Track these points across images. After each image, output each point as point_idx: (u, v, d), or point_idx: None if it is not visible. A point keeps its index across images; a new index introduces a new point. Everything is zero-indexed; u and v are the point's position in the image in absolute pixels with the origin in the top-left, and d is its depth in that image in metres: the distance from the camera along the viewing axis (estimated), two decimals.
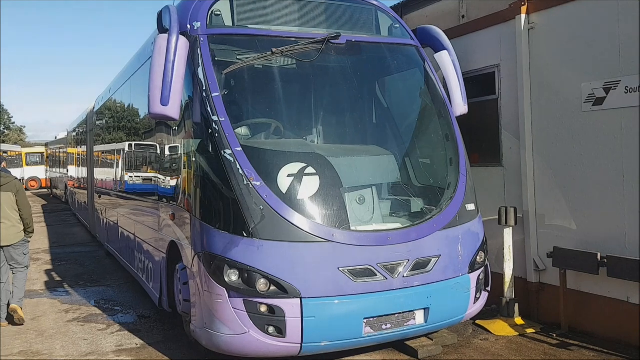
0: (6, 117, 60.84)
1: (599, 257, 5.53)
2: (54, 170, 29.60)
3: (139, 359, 5.76)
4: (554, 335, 5.92)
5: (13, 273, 7.25)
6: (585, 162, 5.82)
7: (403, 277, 4.97)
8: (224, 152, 4.88)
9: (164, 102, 4.94)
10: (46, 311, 7.71)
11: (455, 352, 5.60)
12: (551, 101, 6.16)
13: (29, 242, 7.44)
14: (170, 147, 6.13)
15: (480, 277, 5.51)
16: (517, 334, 6.02)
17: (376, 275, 4.87)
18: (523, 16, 6.35)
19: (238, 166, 4.83)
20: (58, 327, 6.92)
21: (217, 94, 5.07)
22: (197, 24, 5.34)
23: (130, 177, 8.74)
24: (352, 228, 4.97)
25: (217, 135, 4.94)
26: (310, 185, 5.01)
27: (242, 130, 5.51)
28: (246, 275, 4.69)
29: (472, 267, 5.38)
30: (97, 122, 12.83)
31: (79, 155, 17.46)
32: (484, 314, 6.05)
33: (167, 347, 6.05)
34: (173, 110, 5.00)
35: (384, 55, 6.25)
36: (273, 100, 5.63)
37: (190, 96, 5.26)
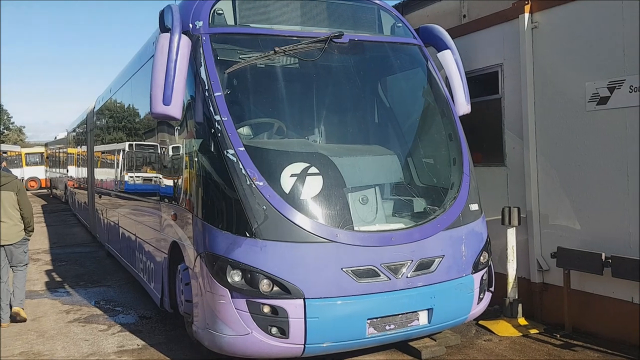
0: (5, 117, 60.80)
1: (603, 257, 5.50)
2: (54, 170, 29.57)
3: (141, 359, 5.73)
4: (558, 335, 5.90)
5: (13, 272, 7.24)
6: (589, 162, 5.79)
7: (407, 277, 4.94)
8: (227, 152, 4.85)
9: (166, 101, 4.92)
10: (47, 312, 7.68)
11: (458, 352, 5.57)
12: (555, 100, 6.14)
13: (28, 240, 7.48)
14: (172, 147, 6.10)
15: (484, 278, 5.48)
16: (521, 334, 5.99)
17: (380, 275, 4.85)
18: (526, 15, 6.32)
19: (241, 166, 4.80)
20: (59, 328, 6.89)
21: (220, 93, 5.04)
22: (199, 23, 5.31)
23: (131, 177, 8.71)
24: (356, 228, 4.95)
25: (219, 135, 4.91)
26: (313, 185, 4.98)
27: (245, 130, 5.49)
28: (249, 275, 4.66)
29: (476, 268, 5.35)
30: (98, 122, 12.80)
31: (79, 155, 17.43)
32: (487, 314, 6.01)
33: (169, 348, 6.02)
34: (175, 109, 4.98)
35: (387, 55, 6.23)
36: (275, 100, 5.61)
37: (192, 96, 5.23)
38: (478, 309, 5.46)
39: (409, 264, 4.95)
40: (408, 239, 5.01)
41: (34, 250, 12.93)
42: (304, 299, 4.64)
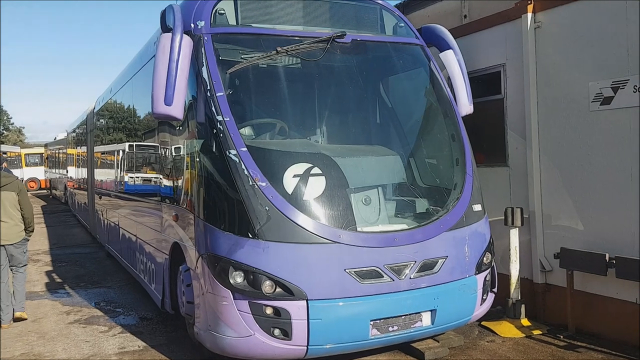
0: (5, 118, 60.71)
1: (607, 258, 5.48)
2: (54, 171, 29.54)
3: None
4: (561, 336, 5.87)
5: (13, 274, 7.22)
6: (593, 162, 5.77)
7: (410, 278, 4.91)
8: (229, 153, 4.82)
9: (168, 101, 4.89)
10: (47, 313, 7.65)
11: (461, 353, 5.54)
12: (558, 100, 6.11)
13: (28, 241, 7.50)
14: (173, 148, 6.07)
15: (487, 278, 5.46)
16: (524, 335, 5.97)
17: (383, 276, 4.82)
18: (529, 15, 6.30)
19: (243, 167, 4.78)
20: (59, 329, 6.86)
21: (222, 93, 5.02)
22: (201, 23, 5.28)
23: (132, 178, 8.68)
24: (359, 229, 4.93)
25: (221, 135, 4.88)
26: (316, 186, 4.96)
27: (247, 130, 5.46)
28: (251, 277, 4.64)
29: (479, 268, 5.33)
30: (98, 123, 12.77)
31: (78, 156, 17.40)
32: (490, 315, 5.99)
33: (170, 349, 5.99)
34: (177, 110, 4.95)
35: (389, 55, 6.20)
36: (278, 100, 5.58)
37: (194, 96, 5.20)
38: (481, 310, 5.44)
39: (412, 265, 4.92)
40: (411, 239, 4.99)
41: (33, 251, 12.90)
42: (307, 300, 4.61)
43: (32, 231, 7.49)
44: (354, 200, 5.17)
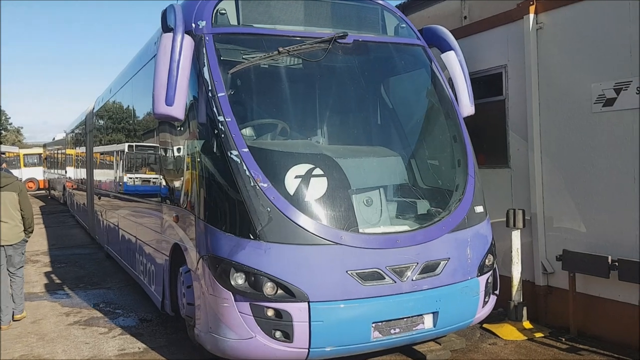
0: (3, 118, 60.61)
1: (609, 260, 5.45)
2: (52, 171, 29.48)
3: None
4: (563, 339, 5.85)
5: (11, 277, 7.21)
6: (595, 164, 5.75)
7: (412, 280, 4.88)
8: (231, 153, 4.79)
9: (169, 102, 4.87)
10: (46, 314, 7.61)
11: (463, 356, 5.52)
12: (560, 102, 6.09)
13: (27, 242, 7.50)
14: (174, 149, 6.04)
15: (489, 281, 5.43)
16: (526, 338, 5.95)
17: (385, 278, 4.79)
18: (531, 16, 6.28)
19: (245, 167, 4.75)
20: (59, 331, 6.82)
21: (223, 93, 4.99)
22: (202, 23, 5.26)
23: (132, 178, 8.65)
24: (361, 230, 4.89)
25: (223, 136, 4.86)
26: (318, 187, 4.93)
27: (248, 131, 5.43)
28: (253, 278, 4.61)
29: (481, 270, 5.30)
30: (97, 123, 12.74)
31: (77, 156, 17.36)
32: (492, 317, 5.96)
33: (171, 351, 5.96)
34: (178, 110, 4.93)
35: (391, 55, 6.19)
36: (279, 101, 5.56)
37: (195, 96, 5.18)
38: (483, 312, 5.41)
39: (414, 266, 4.89)
40: (413, 241, 4.96)
41: (32, 251, 12.86)
42: (309, 302, 4.58)
43: (32, 232, 7.50)
44: (356, 202, 5.14)
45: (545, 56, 6.25)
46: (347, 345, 4.76)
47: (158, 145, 6.76)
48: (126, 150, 8.98)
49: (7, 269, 7.19)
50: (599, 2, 5.66)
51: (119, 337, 6.48)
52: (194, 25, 5.25)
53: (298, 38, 5.47)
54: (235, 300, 4.65)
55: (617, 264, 5.41)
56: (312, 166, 5.01)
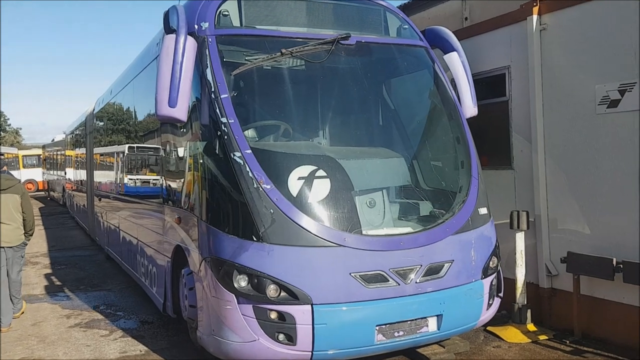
0: (2, 119, 60.54)
1: (614, 262, 5.43)
2: (52, 172, 29.42)
3: None
4: (567, 341, 5.83)
5: (10, 280, 7.18)
6: (599, 165, 5.72)
7: (416, 282, 4.85)
8: (234, 155, 4.76)
9: (172, 103, 4.85)
10: (47, 316, 7.57)
11: (467, 359, 5.48)
12: (564, 103, 6.07)
13: (26, 245, 7.52)
14: (176, 150, 6.01)
15: (493, 283, 5.39)
16: (530, 340, 5.92)
17: (388, 280, 4.76)
18: (535, 17, 6.26)
19: (248, 169, 4.72)
20: (60, 333, 6.79)
21: (226, 95, 4.96)
22: (205, 24, 5.23)
23: (134, 180, 8.62)
24: (364, 232, 4.86)
25: (226, 137, 4.83)
26: (321, 188, 4.90)
27: (251, 132, 5.41)
28: (256, 280, 4.57)
29: (485, 273, 5.26)
30: (98, 124, 12.70)
31: (77, 157, 17.32)
32: (495, 320, 5.92)
33: (172, 353, 5.93)
34: (181, 112, 4.92)
35: (394, 57, 6.17)
36: (282, 102, 5.53)
37: (198, 97, 5.15)
38: (487, 314, 5.37)
39: (418, 269, 4.86)
40: (417, 243, 4.92)
41: (32, 253, 12.82)
42: (312, 304, 4.55)
43: (32, 235, 7.51)
44: (359, 203, 5.11)
45: (548, 57, 6.23)
46: (350, 348, 4.72)
47: (160, 146, 6.73)
48: (127, 151, 8.94)
49: (8, 271, 7.18)
50: (603, 3, 5.64)
51: (120, 340, 6.45)
52: (196, 26, 5.22)
53: (301, 39, 5.45)
54: (238, 303, 4.62)
55: (621, 266, 5.38)
56: (315, 168, 4.98)
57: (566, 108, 6.05)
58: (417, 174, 5.73)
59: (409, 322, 4.85)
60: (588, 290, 5.87)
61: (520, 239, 6.19)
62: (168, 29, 5.06)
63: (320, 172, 4.97)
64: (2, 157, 32.88)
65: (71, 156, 19.30)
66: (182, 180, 5.75)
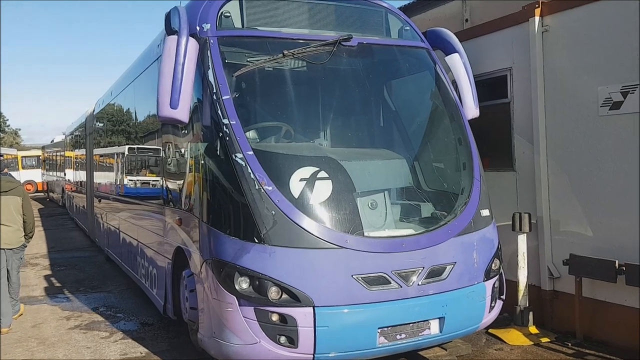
0: (1, 120, 60.49)
1: (617, 264, 5.41)
2: (51, 173, 29.38)
3: None
4: (569, 344, 5.81)
5: (9, 282, 7.17)
6: (602, 167, 5.71)
7: (418, 285, 4.82)
8: (235, 156, 4.75)
9: (174, 105, 4.84)
10: (47, 318, 7.55)
11: None
12: (566, 105, 6.06)
13: (26, 246, 7.52)
14: (177, 151, 6.00)
15: (496, 285, 5.37)
16: (532, 343, 5.90)
17: (390, 283, 4.73)
18: (537, 18, 6.25)
19: (249, 170, 4.70)
20: (60, 335, 6.76)
21: (228, 96, 4.95)
22: (207, 26, 5.21)
23: (134, 181, 8.60)
24: (366, 234, 4.84)
25: (227, 138, 4.81)
26: (323, 190, 4.88)
27: (253, 134, 5.39)
28: (257, 282, 4.55)
29: (488, 275, 5.24)
30: (98, 125, 12.68)
31: (77, 158, 17.30)
32: (497, 322, 5.89)
33: (173, 355, 5.91)
34: (182, 113, 4.91)
35: (395, 58, 6.16)
36: (284, 103, 5.52)
37: (199, 99, 5.13)
38: (489, 317, 5.35)
39: (420, 271, 4.84)
40: (419, 245, 4.90)
41: (32, 254, 12.79)
42: (314, 307, 4.52)
43: (32, 237, 7.53)
44: (361, 205, 5.09)
45: (551, 59, 6.22)
46: (352, 350, 4.70)
47: (161, 148, 6.71)
48: (128, 152, 8.92)
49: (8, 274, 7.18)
50: (605, 4, 5.63)
51: (120, 342, 6.42)
52: (198, 28, 5.21)
53: (302, 41, 5.43)
54: (240, 305, 4.59)
55: (624, 268, 5.36)
56: (316, 169, 4.96)
57: (568, 110, 6.04)
58: (418, 176, 5.71)
59: (411, 324, 4.83)
60: (590, 293, 5.85)
61: (522, 241, 6.17)
62: (170, 30, 5.04)
63: (322, 174, 4.95)
64: (1, 158, 32.83)
65: (71, 157, 19.28)
66: (183, 181, 5.73)
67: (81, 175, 15.93)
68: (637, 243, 5.38)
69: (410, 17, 8.84)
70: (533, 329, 6.11)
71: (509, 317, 6.31)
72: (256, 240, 4.58)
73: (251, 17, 5.44)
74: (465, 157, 5.66)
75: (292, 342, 4.55)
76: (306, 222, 4.63)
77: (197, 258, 5.17)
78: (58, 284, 9.79)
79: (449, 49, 6.30)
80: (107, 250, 11.36)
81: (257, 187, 4.66)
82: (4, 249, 7.01)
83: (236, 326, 4.63)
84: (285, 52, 5.24)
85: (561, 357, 5.53)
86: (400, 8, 9.16)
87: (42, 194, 34.85)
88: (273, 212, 4.61)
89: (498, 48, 6.85)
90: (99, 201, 12.03)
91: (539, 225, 6.31)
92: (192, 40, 5.00)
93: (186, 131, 5.59)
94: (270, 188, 4.67)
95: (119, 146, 9.79)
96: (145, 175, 7.91)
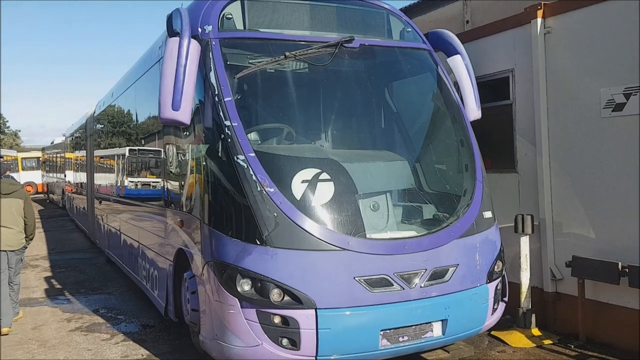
0: (1, 122, 60.47)
1: (619, 266, 5.39)
2: (51, 175, 29.37)
3: None
4: (572, 346, 5.79)
5: (10, 284, 7.15)
6: (605, 169, 5.69)
7: (420, 287, 4.81)
8: (237, 158, 4.73)
9: (175, 106, 4.84)
10: (47, 320, 7.53)
11: None
12: (568, 106, 6.05)
13: (26, 248, 7.52)
14: (179, 153, 5.98)
15: (498, 287, 5.36)
16: (535, 345, 5.88)
17: (393, 285, 4.72)
18: (539, 20, 6.24)
19: (251, 172, 4.69)
20: (61, 337, 6.74)
21: (230, 98, 4.94)
22: (209, 28, 5.20)
23: (135, 183, 8.59)
24: (368, 236, 4.83)
25: (229, 140, 4.80)
26: (324, 191, 4.87)
27: (255, 136, 5.38)
28: (259, 284, 4.54)
29: (490, 277, 5.22)
30: (98, 127, 12.67)
31: (77, 160, 17.29)
32: (500, 324, 5.87)
33: (174, 358, 5.90)
34: (184, 115, 4.91)
35: (397, 60, 6.15)
36: (286, 105, 5.51)
37: (201, 101, 5.12)
38: (492, 319, 5.33)
39: (422, 273, 4.82)
40: (421, 247, 4.89)
41: (32, 256, 12.78)
42: (316, 309, 4.51)
43: (32, 239, 7.55)
44: (363, 206, 5.08)
45: (553, 60, 6.21)
46: (354, 353, 4.68)
47: (162, 149, 6.70)
48: (129, 154, 8.91)
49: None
50: (608, 6, 5.62)
51: (121, 344, 6.41)
52: (200, 29, 5.20)
53: (304, 42, 5.42)
54: (242, 307, 4.58)
55: (627, 270, 5.35)
56: (318, 171, 4.95)
57: (571, 111, 6.02)
58: (421, 177, 5.70)
59: (413, 327, 4.81)
60: (593, 295, 5.83)
61: (524, 243, 6.16)
62: (171, 32, 5.05)
63: (324, 176, 4.94)
64: (1, 159, 32.84)
65: (71, 159, 19.27)
66: (185, 183, 5.71)
67: (82, 177, 15.92)
68: None
69: (411, 19, 8.83)
70: (535, 331, 6.09)
71: (511, 319, 6.29)
72: (258, 242, 4.57)
73: (253, 18, 5.43)
74: (468, 159, 5.65)
75: (294, 344, 4.54)
76: (308, 224, 4.62)
77: (198, 260, 5.16)
78: (58, 286, 9.77)
79: (451, 51, 6.29)
80: (108, 252, 11.34)
81: (258, 188, 4.65)
82: (5, 250, 7.02)
83: (238, 328, 4.61)
84: (287, 53, 5.22)
85: (564, 359, 5.50)
86: (400, 9, 9.14)
87: (42, 195, 34.83)
88: (275, 214, 4.60)
89: (500, 49, 6.84)
90: (100, 203, 12.02)
91: (542, 227, 6.30)
92: (194, 42, 5.00)
93: (188, 133, 5.58)
94: (272, 190, 4.66)
95: (119, 148, 9.78)
96: (147, 177, 7.90)
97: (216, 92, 4.95)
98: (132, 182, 8.79)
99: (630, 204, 5.44)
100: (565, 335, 6.07)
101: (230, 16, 5.34)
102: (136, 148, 8.53)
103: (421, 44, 6.20)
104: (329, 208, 4.82)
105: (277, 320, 4.55)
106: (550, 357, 5.58)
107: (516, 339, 5.99)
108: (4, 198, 7.00)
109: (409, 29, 6.21)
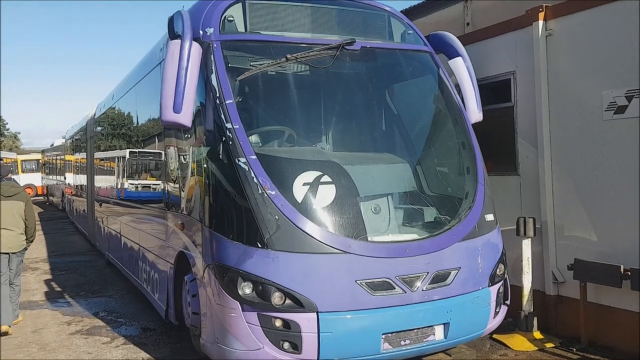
0: (1, 124, 60.45)
1: (622, 269, 5.38)
2: (51, 177, 29.35)
3: None
4: (574, 349, 5.77)
5: (10, 286, 7.14)
6: (607, 172, 5.68)
7: (422, 290, 4.79)
8: (238, 161, 4.72)
9: (177, 109, 4.83)
10: (47, 323, 7.51)
11: None
12: (570, 109, 6.03)
13: (26, 249, 7.55)
14: (180, 155, 5.97)
15: (500, 291, 5.34)
16: (537, 348, 5.86)
17: (394, 288, 4.70)
18: (540, 22, 6.22)
19: (253, 175, 4.67)
20: (61, 340, 6.72)
21: (231, 100, 4.93)
22: (210, 30, 5.20)
23: (136, 185, 8.57)
24: (370, 239, 4.81)
25: (230, 142, 4.79)
26: (326, 194, 4.86)
27: (256, 138, 5.37)
28: (260, 287, 4.52)
29: (492, 280, 5.20)
30: (99, 129, 12.66)
31: (77, 162, 17.27)
32: (501, 328, 5.85)
33: None
34: (186, 117, 4.89)
35: (399, 62, 6.14)
36: (287, 107, 5.51)
37: (202, 103, 5.11)
38: (494, 323, 5.31)
39: (424, 276, 4.80)
40: (423, 250, 4.87)
41: (32, 258, 12.75)
42: (317, 312, 4.49)
43: (32, 241, 7.56)
44: (364, 209, 5.07)
45: (554, 63, 6.20)
46: (356, 356, 4.66)
47: (163, 152, 6.68)
48: (129, 156, 8.89)
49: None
50: (610, 9, 5.60)
51: (122, 347, 6.38)
52: (201, 32, 5.20)
53: (305, 45, 5.42)
54: (243, 310, 4.56)
55: (629, 273, 5.33)
56: (320, 173, 4.94)
57: (572, 114, 6.01)
58: (422, 180, 5.68)
59: (415, 330, 4.79)
60: (595, 298, 5.81)
61: (526, 245, 6.14)
62: (173, 35, 5.04)
63: (325, 178, 4.93)
64: (1, 162, 32.85)
65: (71, 161, 19.26)
66: (186, 185, 5.70)
67: (82, 179, 15.90)
68: None
69: (412, 21, 8.83)
70: (537, 334, 6.06)
71: (513, 323, 6.27)
72: (259, 245, 4.55)
73: (254, 21, 5.43)
74: (469, 161, 5.64)
75: (296, 347, 4.52)
76: (309, 227, 4.61)
77: (199, 263, 5.14)
78: (58, 289, 9.75)
79: (452, 53, 6.28)
80: (108, 255, 11.32)
81: (260, 191, 4.63)
82: (6, 253, 7.03)
83: (239, 331, 4.59)
84: (289, 56, 5.22)
85: None
86: (401, 11, 9.13)
87: (42, 197, 34.80)
88: (276, 217, 4.58)
89: (501, 52, 6.83)
90: (100, 205, 12.00)
91: (544, 229, 6.28)
92: (195, 45, 4.99)
93: (189, 135, 5.57)
94: (273, 192, 4.65)
95: (120, 150, 9.76)
96: (147, 179, 7.88)
97: (217, 95, 4.94)
98: (132, 184, 8.77)
99: (633, 207, 5.43)
100: (567, 339, 6.04)
101: (231, 18, 5.33)
102: (137, 150, 8.52)
103: (422, 46, 6.19)
104: (331, 211, 4.81)
105: (278, 323, 4.53)
106: None
107: (518, 342, 5.96)
108: (5, 200, 7.00)
109: (410, 31, 6.20)
